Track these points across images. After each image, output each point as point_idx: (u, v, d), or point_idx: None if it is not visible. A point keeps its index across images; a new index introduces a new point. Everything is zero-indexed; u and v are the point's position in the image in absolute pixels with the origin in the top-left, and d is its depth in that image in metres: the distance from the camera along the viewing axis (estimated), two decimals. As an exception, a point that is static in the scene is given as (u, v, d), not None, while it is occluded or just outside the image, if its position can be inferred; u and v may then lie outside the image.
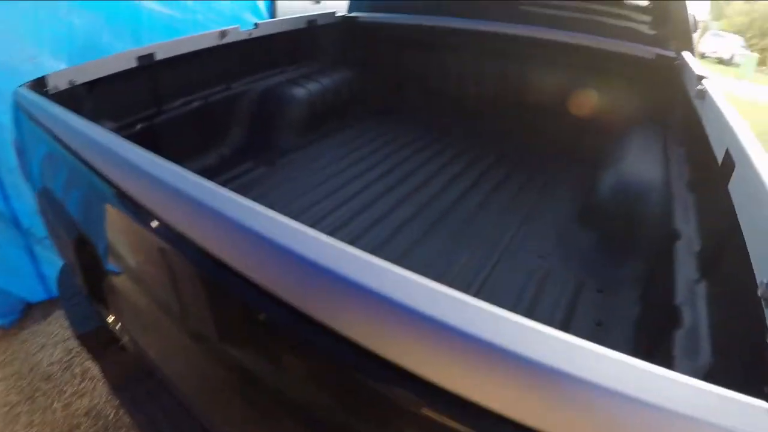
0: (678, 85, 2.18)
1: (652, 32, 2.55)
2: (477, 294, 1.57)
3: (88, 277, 1.16)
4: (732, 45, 18.64)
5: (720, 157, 1.23)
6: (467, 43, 3.08)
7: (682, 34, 2.41)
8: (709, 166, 1.32)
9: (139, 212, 0.85)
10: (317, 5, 5.78)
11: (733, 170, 1.10)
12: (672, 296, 1.16)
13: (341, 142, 2.90)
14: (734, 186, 1.08)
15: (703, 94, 1.60)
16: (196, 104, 2.27)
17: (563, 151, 2.85)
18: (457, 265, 1.81)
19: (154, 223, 0.82)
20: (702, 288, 1.13)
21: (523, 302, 1.64)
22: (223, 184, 1.51)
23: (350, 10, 3.41)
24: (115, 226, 0.97)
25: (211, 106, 2.34)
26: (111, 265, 1.03)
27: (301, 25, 2.89)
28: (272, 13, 5.39)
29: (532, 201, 2.34)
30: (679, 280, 1.20)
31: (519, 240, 2.00)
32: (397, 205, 2.19)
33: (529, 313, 1.58)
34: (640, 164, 1.94)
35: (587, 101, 2.84)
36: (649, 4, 2.56)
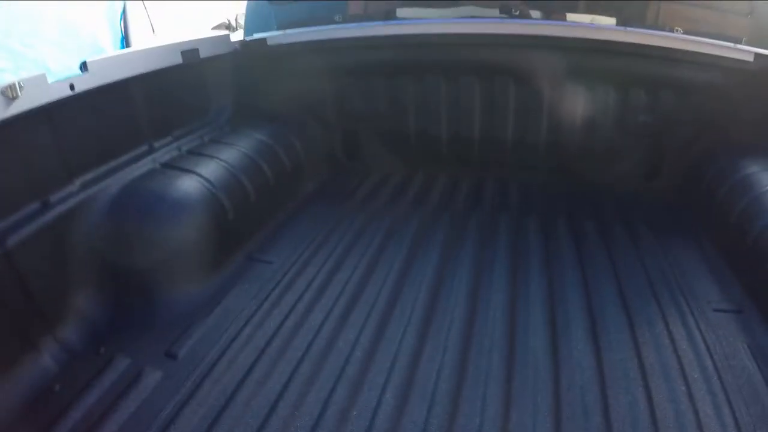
0: None
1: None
2: None
3: None
4: None
5: None
6: (464, 55, 2.06)
7: None
8: None
9: None
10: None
11: None
12: None
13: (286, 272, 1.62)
14: None
15: None
16: None
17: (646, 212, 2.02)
18: None
19: None
20: None
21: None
22: None
23: (248, 31, 2.16)
24: None
25: (11, 256, 1.17)
26: None
27: (174, 61, 1.73)
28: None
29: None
30: None
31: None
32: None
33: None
34: None
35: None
36: None
